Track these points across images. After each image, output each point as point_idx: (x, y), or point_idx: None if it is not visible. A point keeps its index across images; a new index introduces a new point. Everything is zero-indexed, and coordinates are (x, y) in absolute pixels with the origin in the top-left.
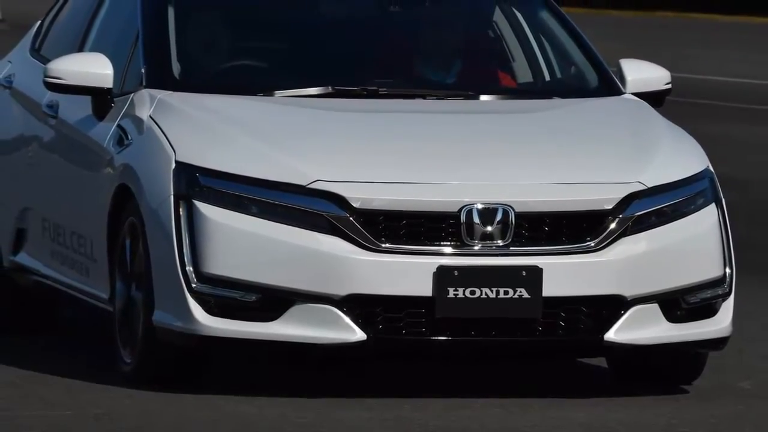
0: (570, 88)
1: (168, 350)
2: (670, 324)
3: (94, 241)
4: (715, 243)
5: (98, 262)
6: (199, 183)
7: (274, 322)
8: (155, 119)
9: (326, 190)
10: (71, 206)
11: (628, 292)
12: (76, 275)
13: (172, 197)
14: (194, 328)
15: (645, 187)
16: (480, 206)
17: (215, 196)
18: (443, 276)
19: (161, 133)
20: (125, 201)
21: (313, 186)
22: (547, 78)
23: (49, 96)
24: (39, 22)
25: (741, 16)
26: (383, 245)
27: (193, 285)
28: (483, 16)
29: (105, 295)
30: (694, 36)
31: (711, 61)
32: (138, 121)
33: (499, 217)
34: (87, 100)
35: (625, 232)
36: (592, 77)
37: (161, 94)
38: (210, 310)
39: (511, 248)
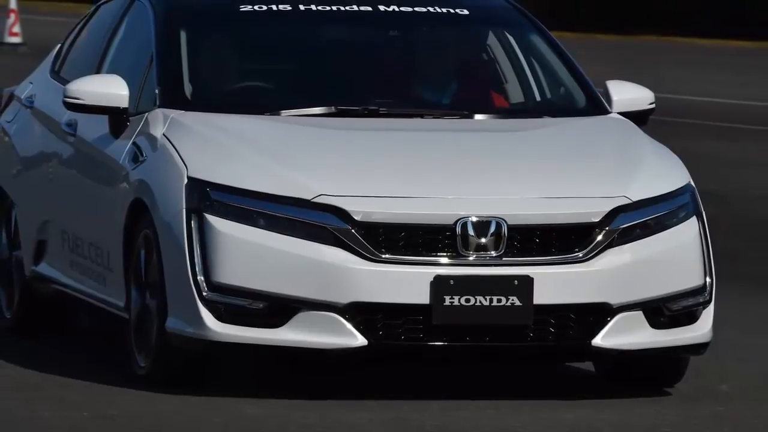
0: (559, 107)
1: (180, 355)
2: (654, 330)
3: (111, 252)
4: (696, 254)
5: (114, 271)
6: (209, 197)
7: (280, 328)
8: (168, 137)
9: (329, 203)
10: (89, 219)
11: (614, 300)
12: (94, 284)
13: (184, 211)
14: (205, 334)
15: (630, 201)
16: (474, 219)
17: (225, 209)
18: (440, 285)
19: (174, 150)
20: (140, 214)
21: (317, 200)
22: (538, 98)
23: (68, 115)
24: (58, 46)
25: (720, 39)
26: (383, 256)
27: (204, 293)
28: (477, 40)
29: (121, 303)
30: (676, 58)
31: (692, 82)
32: (152, 139)
33: (492, 229)
34: (104, 119)
35: (611, 243)
36: (580, 97)
37: (174, 113)
38: (220, 317)
39: (503, 259)
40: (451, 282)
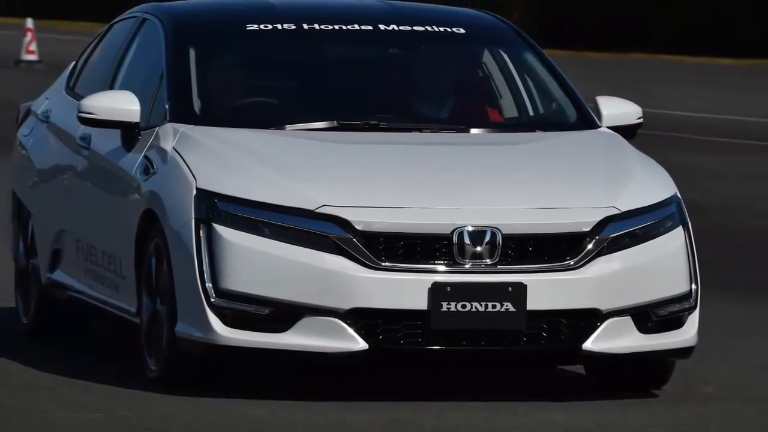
0: (551, 122)
1: (189, 358)
2: (642, 335)
3: (123, 260)
4: (682, 262)
5: (126, 279)
6: (217, 208)
7: (284, 333)
8: (178, 150)
9: (332, 214)
10: (102, 229)
11: (604, 306)
12: (107, 291)
13: (193, 221)
14: (213, 338)
15: (619, 212)
16: (470, 228)
17: (232, 219)
18: (437, 291)
19: (183, 162)
20: (151, 224)
21: (320, 210)
22: (531, 113)
23: (82, 129)
24: (73, 63)
25: (705, 57)
26: (383, 264)
27: (212, 299)
28: (473, 58)
29: (132, 309)
30: (664, 75)
31: (678, 98)
32: (162, 152)
33: (487, 238)
34: (116, 133)
35: (601, 251)
36: (571, 112)
37: (183, 127)
38: (227, 322)
39: (498, 266)
40: (448, 289)
